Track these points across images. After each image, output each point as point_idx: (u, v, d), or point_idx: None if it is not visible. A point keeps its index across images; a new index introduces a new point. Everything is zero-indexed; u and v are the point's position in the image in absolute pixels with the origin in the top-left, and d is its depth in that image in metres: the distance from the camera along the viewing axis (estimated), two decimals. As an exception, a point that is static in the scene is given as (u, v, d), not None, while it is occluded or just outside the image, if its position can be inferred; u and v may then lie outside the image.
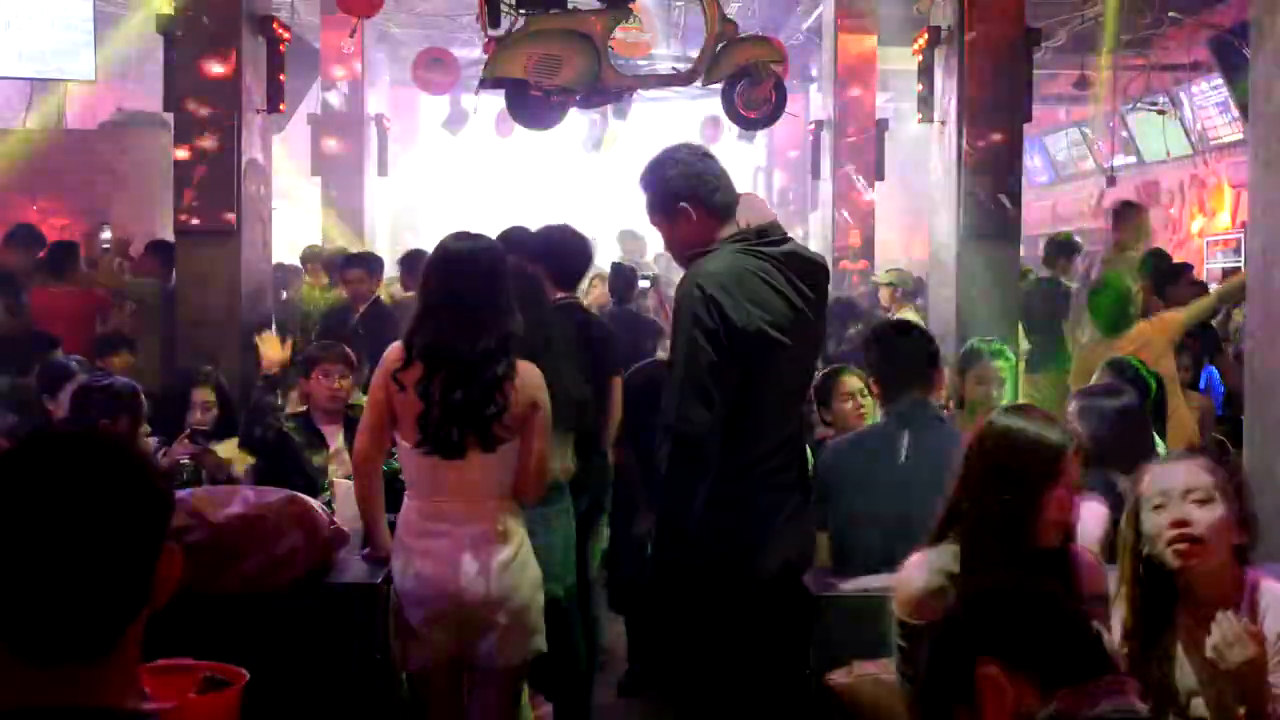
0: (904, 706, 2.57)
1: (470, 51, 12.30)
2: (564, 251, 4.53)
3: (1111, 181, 13.92)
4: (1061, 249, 8.09)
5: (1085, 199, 15.88)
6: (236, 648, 2.64)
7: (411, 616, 3.24)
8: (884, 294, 8.52)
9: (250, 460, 4.43)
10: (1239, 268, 10.23)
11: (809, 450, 3.60)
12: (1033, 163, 15.67)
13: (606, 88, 7.63)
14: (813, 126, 12.04)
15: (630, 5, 7.74)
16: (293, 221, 13.13)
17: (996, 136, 7.30)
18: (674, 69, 8.38)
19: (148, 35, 7.93)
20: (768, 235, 3.24)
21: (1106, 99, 13.79)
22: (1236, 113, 11.42)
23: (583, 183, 16.22)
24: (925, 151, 8.35)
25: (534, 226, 4.72)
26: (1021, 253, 7.96)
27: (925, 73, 7.74)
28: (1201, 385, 6.48)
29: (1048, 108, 14.32)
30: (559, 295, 4.47)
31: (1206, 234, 13.47)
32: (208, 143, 6.66)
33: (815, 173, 11.87)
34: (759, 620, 3.14)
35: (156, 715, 1.39)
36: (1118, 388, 4.03)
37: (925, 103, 7.75)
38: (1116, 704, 1.62)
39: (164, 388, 5.33)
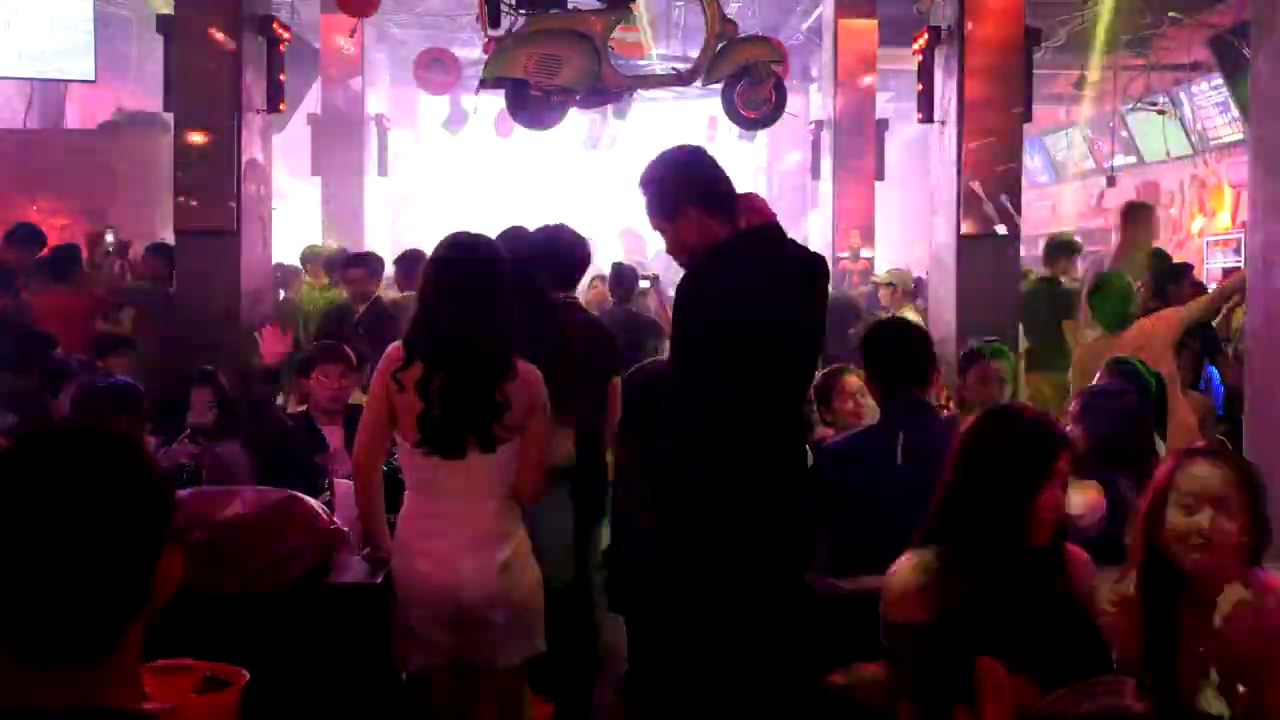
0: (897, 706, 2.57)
1: (471, 51, 12.29)
2: (562, 251, 4.53)
3: (1111, 181, 13.93)
4: (1061, 249, 8.09)
5: (1085, 199, 15.89)
6: (236, 648, 2.64)
7: (411, 616, 3.24)
8: (884, 294, 8.52)
9: (250, 460, 4.43)
10: (1239, 268, 10.24)
11: (809, 450, 3.61)
12: (1033, 163, 15.68)
13: (606, 88, 7.63)
14: (813, 126, 12.04)
15: (630, 5, 7.74)
16: (293, 221, 13.13)
17: (996, 136, 7.30)
18: (674, 69, 8.36)
19: (148, 35, 7.93)
20: (768, 235, 3.24)
21: (1106, 99, 13.79)
22: (1236, 113, 11.42)
23: (583, 183, 16.21)
24: (925, 151, 8.35)
25: (533, 227, 4.72)
26: (1021, 253, 7.96)
27: (925, 73, 7.73)
28: (1201, 385, 6.48)
29: (1048, 108, 14.32)
30: (559, 295, 4.47)
31: (1206, 234, 13.48)
32: (208, 143, 6.66)
33: (815, 173, 11.88)
34: (759, 620, 3.14)
35: (156, 715, 1.39)
36: (1119, 387, 4.03)
37: (925, 103, 7.75)
38: (1111, 703, 1.62)
39: (164, 388, 5.33)
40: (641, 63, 11.60)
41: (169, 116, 7.10)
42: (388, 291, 7.79)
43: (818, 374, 4.43)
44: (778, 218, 3.39)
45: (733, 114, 7.81)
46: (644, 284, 8.03)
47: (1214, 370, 6.66)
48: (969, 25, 7.28)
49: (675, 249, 3.36)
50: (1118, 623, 2.47)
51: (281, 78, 7.15)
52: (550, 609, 3.39)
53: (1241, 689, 2.38)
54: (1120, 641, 2.43)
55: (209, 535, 3.16)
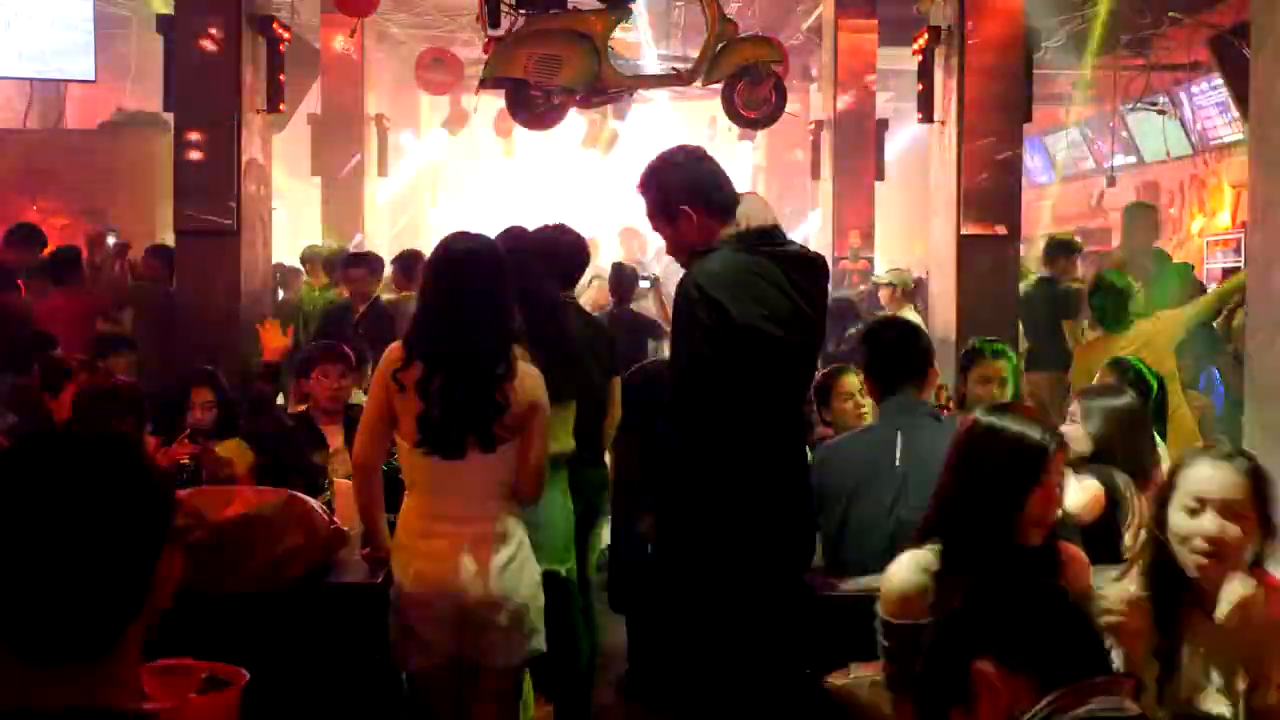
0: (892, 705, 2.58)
1: (471, 51, 12.29)
2: (562, 252, 4.53)
3: (1111, 181, 13.91)
4: (1061, 249, 8.09)
5: (1085, 199, 15.89)
6: (236, 648, 2.64)
7: (411, 616, 3.24)
8: (884, 294, 8.52)
9: (250, 459, 4.43)
10: (1239, 268, 10.23)
11: (809, 450, 3.61)
12: (1033, 163, 15.67)
13: (606, 88, 7.63)
14: (813, 126, 12.03)
15: (630, 5, 7.74)
16: (293, 221, 13.13)
17: (996, 136, 7.30)
18: (674, 69, 8.36)
19: (148, 35, 7.93)
20: (768, 235, 3.25)
21: (1106, 99, 13.78)
22: (1236, 113, 11.41)
23: (583, 183, 16.21)
24: (925, 151, 8.35)
25: (533, 227, 4.72)
26: (1021, 253, 7.96)
27: (925, 73, 7.73)
28: (1201, 385, 6.49)
29: (1048, 108, 14.31)
30: (559, 295, 4.47)
31: (1206, 234, 13.46)
32: (208, 143, 6.66)
33: (815, 173, 11.87)
34: (759, 620, 3.15)
35: (156, 715, 1.39)
36: (1119, 388, 4.03)
37: (925, 103, 7.75)
38: (1107, 703, 1.62)
39: (164, 388, 5.33)
40: (642, 62, 11.61)
41: (169, 116, 7.10)
42: (384, 292, 7.80)
43: (818, 374, 4.43)
44: (778, 218, 3.39)
45: (733, 114, 7.81)
46: (644, 284, 8.04)
47: (1214, 370, 6.66)
48: (969, 25, 7.28)
49: (676, 249, 3.36)
50: (1126, 623, 2.46)
51: (281, 78, 7.15)
52: (550, 609, 3.39)
53: (1242, 685, 2.38)
54: (1127, 642, 2.43)
55: (209, 535, 3.16)
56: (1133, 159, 14.56)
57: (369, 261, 7.70)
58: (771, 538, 3.18)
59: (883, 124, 11.05)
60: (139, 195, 10.02)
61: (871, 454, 3.51)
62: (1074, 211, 16.29)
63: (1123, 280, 5.98)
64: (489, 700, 3.31)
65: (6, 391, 4.91)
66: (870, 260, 11.09)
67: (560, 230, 4.64)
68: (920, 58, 7.77)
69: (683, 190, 3.24)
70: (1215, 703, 2.43)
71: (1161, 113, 13.31)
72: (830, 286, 4.42)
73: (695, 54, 8.06)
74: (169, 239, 7.38)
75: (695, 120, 15.24)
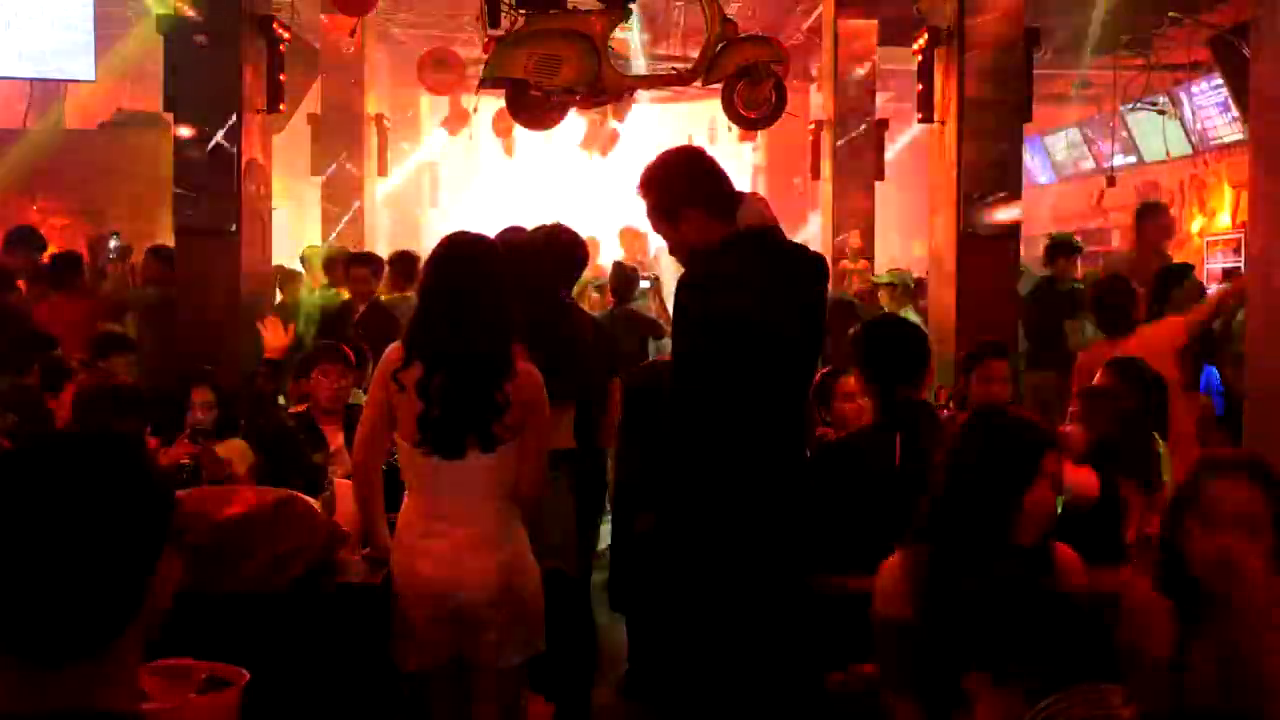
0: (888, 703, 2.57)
1: (472, 51, 12.29)
2: (560, 251, 4.54)
3: (1111, 181, 13.92)
4: (1061, 249, 8.08)
5: (1085, 199, 15.89)
6: (236, 648, 2.64)
7: (411, 616, 3.24)
8: (884, 294, 8.51)
9: (250, 459, 4.44)
10: (1239, 268, 10.24)
11: (809, 450, 3.61)
12: (1033, 163, 15.67)
13: (606, 88, 7.63)
14: (813, 126, 12.03)
15: (630, 5, 7.74)
16: (293, 221, 13.13)
17: (996, 136, 7.29)
18: (674, 69, 8.35)
19: (148, 35, 7.93)
20: (768, 236, 3.25)
21: (1106, 99, 13.78)
22: (1236, 113, 11.42)
23: (583, 183, 16.20)
24: (925, 151, 8.34)
25: (533, 226, 4.72)
26: (1021, 253, 7.96)
27: (925, 73, 7.73)
28: (1202, 385, 6.48)
29: (1048, 108, 14.31)
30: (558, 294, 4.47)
31: (1206, 234, 13.47)
32: (208, 143, 6.66)
33: (815, 173, 11.87)
34: (759, 620, 3.14)
35: (156, 716, 1.39)
36: (1118, 388, 4.03)
37: (925, 103, 7.74)
38: (1100, 710, 1.62)
39: (164, 388, 5.33)
40: (641, 62, 11.62)
41: (169, 116, 7.10)
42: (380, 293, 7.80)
43: (818, 374, 4.43)
44: (778, 218, 3.39)
45: (733, 114, 7.80)
46: (644, 284, 8.04)
47: (1214, 370, 6.65)
48: (969, 25, 7.28)
49: (677, 250, 3.36)
50: (1143, 623, 2.44)
51: (281, 78, 7.14)
52: (551, 609, 3.40)
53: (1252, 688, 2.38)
54: (1148, 645, 2.40)
55: (209, 535, 3.16)
56: (1133, 159, 14.56)
57: (371, 261, 7.71)
58: (771, 537, 3.18)
59: (883, 124, 11.05)
60: (139, 195, 10.02)
61: (872, 453, 3.51)
62: (1074, 211, 16.30)
63: (1126, 285, 5.98)
64: (489, 700, 3.31)
65: (6, 391, 4.91)
66: (870, 261, 11.08)
67: (559, 230, 4.64)
68: (920, 58, 7.77)
69: (684, 190, 3.24)
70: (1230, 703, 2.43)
71: (1161, 113, 13.31)
72: (830, 286, 4.41)
73: (695, 54, 8.06)
74: (169, 239, 7.37)
75: (695, 120, 15.23)
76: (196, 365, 5.28)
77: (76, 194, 10.16)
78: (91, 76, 10.32)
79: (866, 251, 11.12)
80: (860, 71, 11.25)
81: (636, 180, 3.38)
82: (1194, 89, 12.82)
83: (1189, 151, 13.43)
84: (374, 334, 6.08)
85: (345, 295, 7.67)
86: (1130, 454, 3.60)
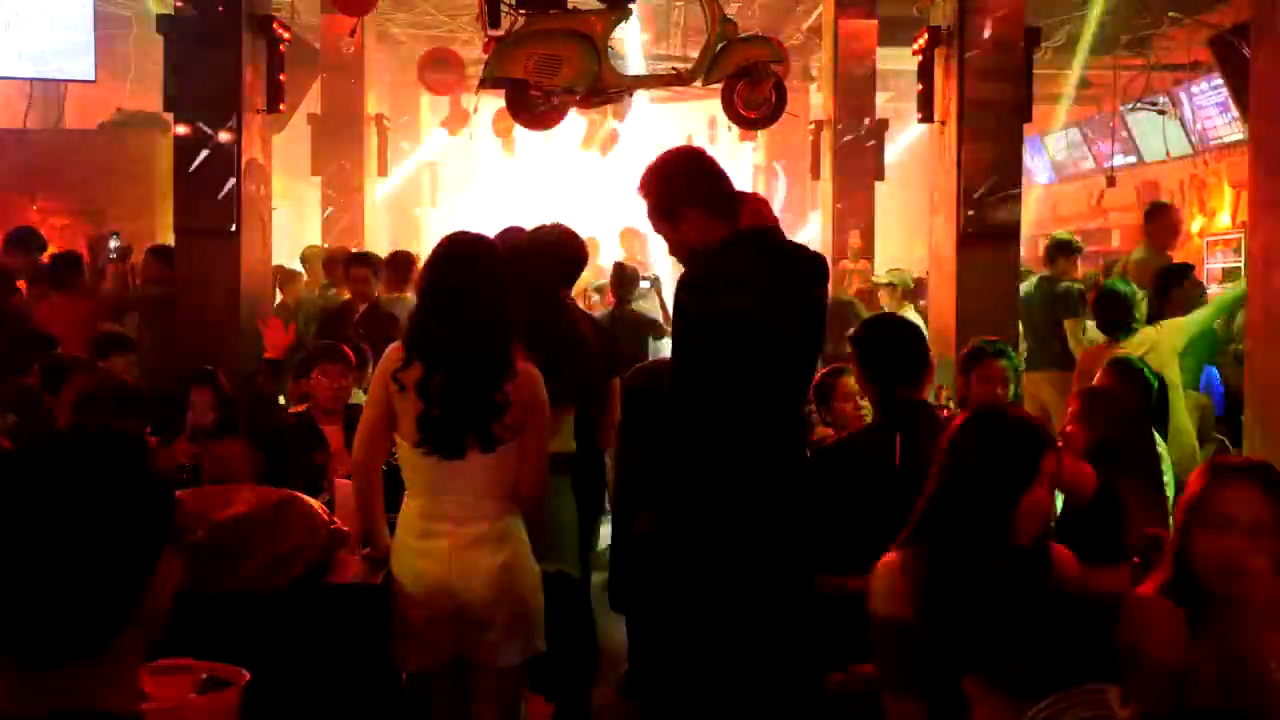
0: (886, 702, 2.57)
1: (472, 51, 12.29)
2: (560, 251, 4.53)
3: (1111, 181, 13.92)
4: (1061, 249, 8.08)
5: (1085, 199, 15.89)
6: (236, 648, 2.64)
7: (411, 616, 3.24)
8: (884, 294, 8.51)
9: (250, 459, 4.44)
10: (1239, 268, 10.24)
11: (808, 450, 3.60)
12: (1033, 163, 15.67)
13: (606, 88, 7.62)
14: (813, 126, 12.03)
15: (630, 5, 7.74)
16: (293, 221, 13.13)
17: (996, 137, 7.29)
18: (674, 69, 8.35)
19: (148, 35, 7.93)
20: (768, 236, 3.25)
21: (1106, 99, 13.78)
22: (1236, 113, 11.42)
23: (583, 183, 16.21)
24: (925, 151, 8.34)
25: (532, 226, 4.72)
26: (1021, 253, 7.95)
27: (925, 73, 7.73)
28: (1202, 385, 6.48)
29: (1048, 108, 14.32)
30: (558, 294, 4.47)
31: (1206, 234, 13.47)
32: (208, 143, 6.66)
33: (815, 173, 11.87)
34: (759, 620, 3.14)
35: (156, 716, 1.39)
36: (1119, 388, 4.03)
37: (925, 103, 7.74)
38: (1096, 712, 1.62)
39: (164, 388, 5.33)
40: (640, 62, 11.62)
41: (169, 116, 7.09)
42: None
43: (818, 374, 4.43)
44: (778, 218, 3.39)
45: (733, 114, 7.79)
46: (644, 284, 8.04)
47: (1214, 370, 6.65)
48: (969, 25, 7.27)
49: (677, 250, 3.36)
50: (1143, 623, 2.44)
51: (281, 78, 7.14)
52: (551, 609, 3.40)
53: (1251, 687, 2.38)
54: (1156, 649, 2.40)
55: (209, 535, 3.17)
56: (1133, 159, 14.56)
57: (371, 261, 7.71)
58: (771, 537, 3.18)
59: (883, 124, 11.05)
60: (139, 195, 10.02)
61: (872, 453, 3.51)
62: (1074, 211, 16.30)
63: (1128, 288, 5.98)
64: (489, 700, 3.31)
65: (7, 391, 4.91)
66: (870, 260, 11.08)
67: (559, 230, 4.64)
68: (920, 58, 7.77)
69: (685, 191, 3.24)
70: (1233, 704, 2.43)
71: (1161, 113, 13.31)
72: (830, 286, 4.41)
73: (695, 54, 8.06)
74: (169, 239, 7.37)
75: (695, 120, 15.24)
76: (196, 365, 5.28)
77: (76, 194, 10.16)
78: (91, 76, 10.32)
79: (866, 251, 11.12)
80: (860, 71, 11.24)
81: (636, 180, 3.39)
82: (1194, 89, 12.81)
83: (1189, 151, 13.43)
84: (374, 334, 6.09)
85: (345, 295, 7.68)
86: (1130, 454, 3.60)
